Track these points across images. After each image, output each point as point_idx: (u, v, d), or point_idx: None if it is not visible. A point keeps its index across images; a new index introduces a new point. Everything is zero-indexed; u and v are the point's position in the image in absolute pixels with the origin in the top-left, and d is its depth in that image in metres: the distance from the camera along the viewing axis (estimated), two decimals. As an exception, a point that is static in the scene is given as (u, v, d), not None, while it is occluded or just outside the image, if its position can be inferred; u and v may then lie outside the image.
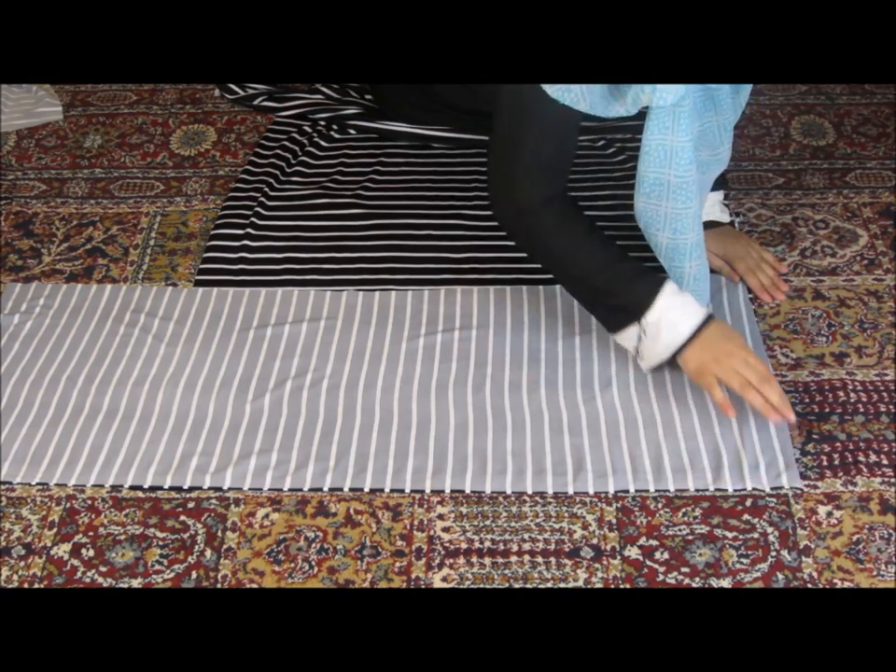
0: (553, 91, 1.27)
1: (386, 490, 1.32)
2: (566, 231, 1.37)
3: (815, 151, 1.80)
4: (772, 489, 1.29)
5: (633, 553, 1.25)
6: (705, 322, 1.33)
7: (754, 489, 1.29)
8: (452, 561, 1.25)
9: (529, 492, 1.31)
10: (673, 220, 1.34)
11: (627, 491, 1.30)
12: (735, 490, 1.29)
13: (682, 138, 1.28)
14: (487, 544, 1.26)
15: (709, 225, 1.56)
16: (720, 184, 1.57)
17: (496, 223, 1.65)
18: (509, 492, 1.31)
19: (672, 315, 1.32)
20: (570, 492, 1.30)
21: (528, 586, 1.22)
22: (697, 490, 1.30)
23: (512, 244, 1.61)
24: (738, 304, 1.52)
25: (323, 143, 1.87)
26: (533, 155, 1.35)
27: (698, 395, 1.40)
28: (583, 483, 1.31)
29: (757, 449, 1.33)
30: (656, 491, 1.30)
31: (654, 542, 1.26)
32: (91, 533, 1.30)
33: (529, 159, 1.35)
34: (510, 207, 1.40)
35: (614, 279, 1.35)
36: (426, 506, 1.31)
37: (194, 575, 1.25)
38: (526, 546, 1.26)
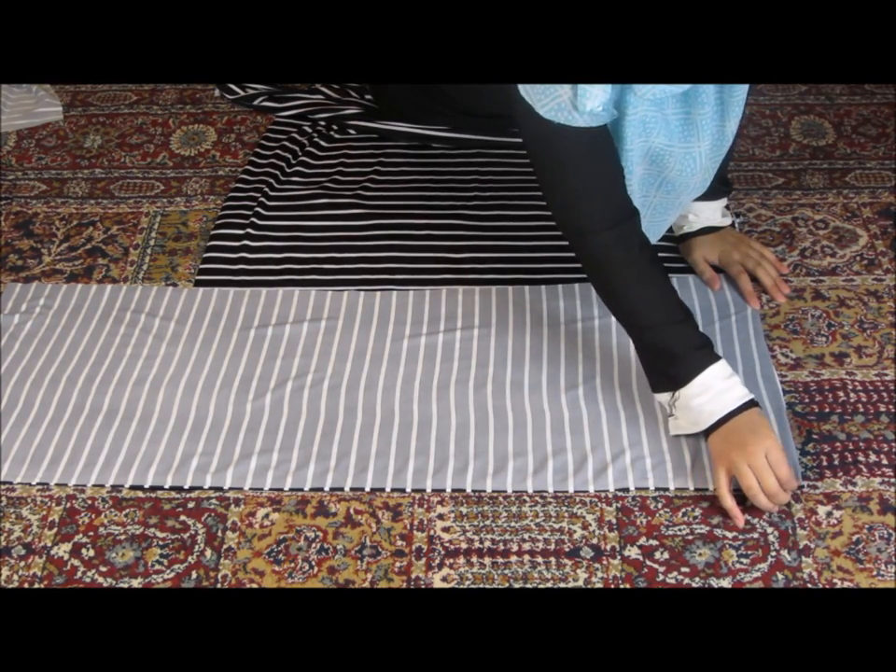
0: (546, 112, 1.21)
1: (387, 490, 1.32)
2: (624, 263, 1.30)
3: (815, 151, 1.80)
4: None
5: (633, 552, 1.25)
6: (740, 409, 1.27)
7: None
8: (452, 561, 1.25)
9: (530, 491, 1.31)
10: None
11: (627, 490, 1.30)
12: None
13: (623, 137, 1.27)
14: (487, 544, 1.27)
15: (708, 230, 1.56)
16: (723, 190, 1.57)
17: (496, 223, 1.67)
18: (509, 491, 1.31)
19: (704, 398, 1.27)
20: (570, 490, 1.31)
21: (528, 586, 1.22)
22: (697, 489, 1.30)
23: (513, 243, 1.62)
24: (748, 328, 1.49)
25: (323, 143, 1.87)
26: (570, 180, 1.28)
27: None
28: (583, 481, 1.31)
29: None
30: (656, 490, 1.30)
31: (654, 542, 1.26)
32: (91, 533, 1.30)
33: (569, 183, 1.29)
34: (569, 231, 1.35)
35: (663, 341, 1.29)
36: (425, 506, 1.31)
37: (194, 575, 1.25)
38: (526, 546, 1.26)
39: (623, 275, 1.30)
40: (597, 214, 1.29)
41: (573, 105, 1.19)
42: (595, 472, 1.32)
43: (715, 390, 1.27)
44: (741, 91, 1.30)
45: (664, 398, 1.33)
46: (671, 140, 1.30)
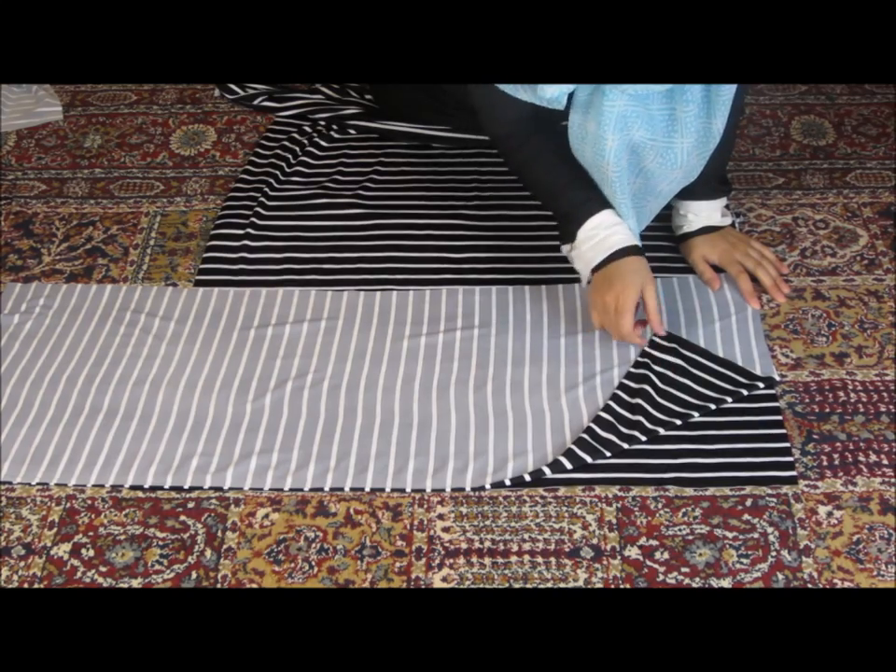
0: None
1: (387, 490, 1.32)
2: (532, 149, 1.45)
3: (815, 151, 1.80)
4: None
5: (633, 553, 1.25)
6: (617, 254, 1.38)
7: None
8: (452, 561, 1.25)
9: (527, 479, 1.31)
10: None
11: (630, 488, 1.31)
12: (730, 470, 1.30)
13: (602, 130, 1.30)
14: (487, 544, 1.26)
15: (708, 230, 1.56)
16: (723, 190, 1.57)
17: (496, 223, 1.67)
18: (508, 483, 1.31)
19: (588, 245, 1.40)
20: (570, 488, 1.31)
21: (528, 586, 1.22)
22: (697, 490, 1.30)
23: (513, 243, 1.62)
24: (748, 328, 1.49)
25: (323, 143, 1.87)
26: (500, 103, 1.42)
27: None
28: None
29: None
30: (655, 488, 1.30)
31: (654, 542, 1.26)
32: (90, 533, 1.30)
33: (497, 99, 1.41)
34: (488, 129, 1.51)
35: (555, 202, 1.45)
36: (426, 506, 1.31)
37: (194, 575, 1.25)
38: (526, 546, 1.26)
39: (518, 160, 1.48)
40: (508, 123, 1.45)
41: (531, 87, 1.31)
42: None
43: (598, 238, 1.39)
44: (728, 90, 1.30)
45: (565, 249, 1.46)
46: (654, 134, 1.32)
